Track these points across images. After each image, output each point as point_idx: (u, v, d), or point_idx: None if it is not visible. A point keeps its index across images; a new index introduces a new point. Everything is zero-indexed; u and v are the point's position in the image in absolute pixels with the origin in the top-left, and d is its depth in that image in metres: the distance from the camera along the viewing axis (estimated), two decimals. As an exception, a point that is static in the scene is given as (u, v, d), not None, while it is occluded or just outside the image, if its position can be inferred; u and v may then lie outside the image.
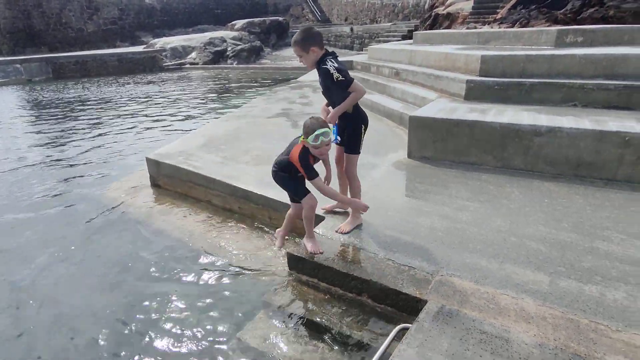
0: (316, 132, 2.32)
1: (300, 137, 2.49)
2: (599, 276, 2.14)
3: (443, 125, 3.75)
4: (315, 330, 2.29)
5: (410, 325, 1.96)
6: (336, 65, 2.44)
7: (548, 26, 8.88)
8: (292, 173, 2.59)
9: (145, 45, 22.06)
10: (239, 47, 21.09)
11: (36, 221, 4.07)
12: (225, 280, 2.90)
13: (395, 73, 6.29)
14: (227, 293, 2.76)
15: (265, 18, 25.66)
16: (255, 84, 14.29)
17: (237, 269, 2.99)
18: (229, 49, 20.95)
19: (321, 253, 2.54)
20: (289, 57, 21.15)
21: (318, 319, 2.34)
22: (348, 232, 2.71)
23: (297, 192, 2.63)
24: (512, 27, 9.81)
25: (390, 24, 21.31)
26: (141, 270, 3.09)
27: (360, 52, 18.23)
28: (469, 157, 3.70)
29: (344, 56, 12.72)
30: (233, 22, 24.60)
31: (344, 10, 31.92)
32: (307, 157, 2.47)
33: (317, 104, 6.77)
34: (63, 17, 23.98)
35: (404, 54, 6.61)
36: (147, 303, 2.72)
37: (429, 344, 1.78)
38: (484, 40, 6.32)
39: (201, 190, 4.02)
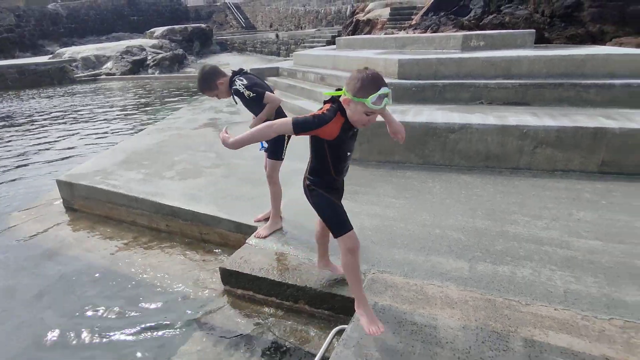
0: (380, 92, 1.60)
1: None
2: (509, 257, 2.36)
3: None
4: (253, 342, 2.24)
5: (346, 326, 2.00)
6: (245, 82, 2.54)
7: (455, 31, 9.67)
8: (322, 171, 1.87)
9: (51, 55, 20.07)
10: (160, 56, 20.06)
11: None
12: (156, 304, 2.72)
13: (321, 78, 6.43)
14: (158, 317, 2.59)
15: (187, 25, 24.76)
16: (180, 94, 13.70)
17: (169, 290, 2.83)
18: (149, 57, 19.84)
19: (382, 332, 1.84)
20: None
21: (256, 331, 2.29)
22: (265, 237, 2.77)
23: (334, 223, 1.86)
24: (425, 32, 10.54)
25: (314, 30, 21.76)
26: (59, 304, 2.79)
27: (287, 58, 18.36)
28: (393, 156, 3.89)
29: (270, 62, 12.71)
30: (152, 30, 23.36)
31: (268, 17, 31.94)
32: (331, 118, 1.70)
33: (245, 112, 6.58)
34: (-54, 25, 20.98)
35: (327, 60, 6.77)
36: (68, 338, 2.46)
37: (365, 342, 1.83)
38: (401, 45, 6.70)
39: (123, 211, 3.74)
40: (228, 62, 21.12)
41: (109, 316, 2.64)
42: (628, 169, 3.35)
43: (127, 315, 2.64)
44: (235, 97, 2.67)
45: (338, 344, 1.85)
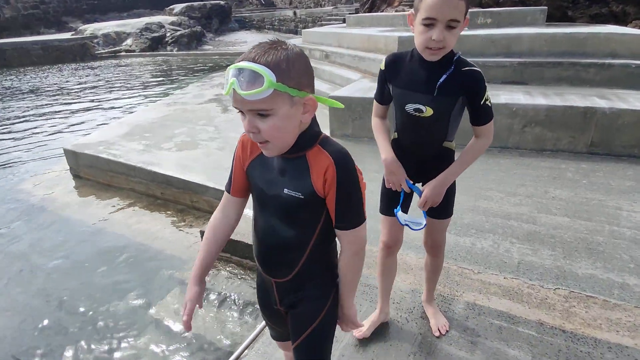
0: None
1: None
2: (474, 229, 2.43)
3: (360, 104, 3.95)
4: (226, 300, 2.41)
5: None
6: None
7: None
8: None
9: (73, 32, 20.54)
10: (179, 33, 20.22)
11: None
12: (143, 261, 2.93)
13: (325, 55, 6.43)
14: (144, 272, 2.81)
15: (206, 2, 24.71)
16: (195, 71, 13.88)
17: (156, 250, 3.04)
18: (168, 34, 20.04)
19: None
20: (232, 42, 20.64)
21: (228, 290, 2.46)
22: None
23: None
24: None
25: (332, 7, 21.40)
26: (61, 261, 3.04)
27: (303, 36, 18.17)
28: (382, 132, 3.93)
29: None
30: (171, 7, 23.48)
31: (288, -6, 31.46)
32: None
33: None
34: (-25, 1, 21.68)
35: (333, 37, 6.75)
36: (63, 290, 2.71)
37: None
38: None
39: (123, 179, 3.96)
40: (245, 39, 21.12)
41: (99, 271, 2.87)
42: (616, 149, 3.30)
43: (115, 269, 2.86)
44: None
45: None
